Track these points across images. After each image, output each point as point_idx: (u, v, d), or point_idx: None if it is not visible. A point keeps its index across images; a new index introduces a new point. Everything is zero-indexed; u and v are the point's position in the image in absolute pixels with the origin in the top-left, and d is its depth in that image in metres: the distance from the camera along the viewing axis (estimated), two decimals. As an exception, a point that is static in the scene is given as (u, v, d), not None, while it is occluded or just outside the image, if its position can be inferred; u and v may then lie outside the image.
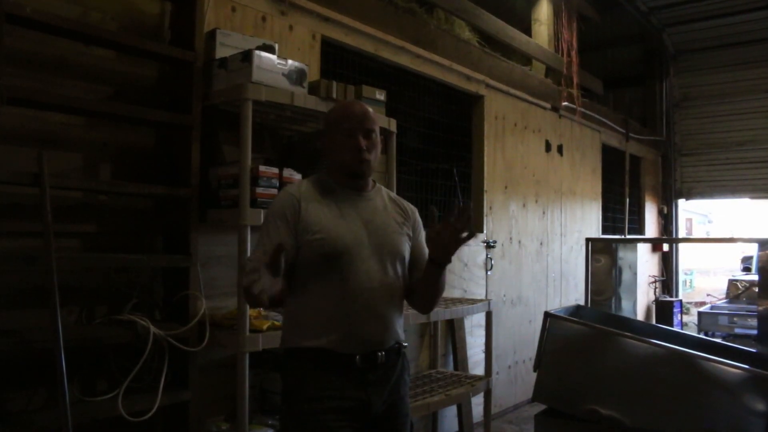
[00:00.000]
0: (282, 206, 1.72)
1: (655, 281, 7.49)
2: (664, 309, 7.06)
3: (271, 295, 1.50)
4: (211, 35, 2.42)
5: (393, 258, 1.76)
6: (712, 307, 7.49)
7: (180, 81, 2.39)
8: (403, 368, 1.80)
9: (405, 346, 1.82)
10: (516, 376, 4.82)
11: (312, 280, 1.69)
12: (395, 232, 1.80)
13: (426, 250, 1.85)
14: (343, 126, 1.74)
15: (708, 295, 10.03)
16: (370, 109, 1.79)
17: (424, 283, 1.76)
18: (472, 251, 4.32)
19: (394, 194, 1.94)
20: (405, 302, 1.85)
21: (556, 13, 5.59)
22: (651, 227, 7.70)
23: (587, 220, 6.05)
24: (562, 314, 3.19)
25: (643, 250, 7.17)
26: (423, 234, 1.89)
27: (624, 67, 7.95)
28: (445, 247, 1.62)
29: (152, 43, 2.30)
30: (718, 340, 4.50)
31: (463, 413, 3.91)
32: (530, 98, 5.02)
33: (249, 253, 2.10)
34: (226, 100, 2.33)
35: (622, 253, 5.95)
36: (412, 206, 1.93)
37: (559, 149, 5.49)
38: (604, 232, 6.40)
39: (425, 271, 1.74)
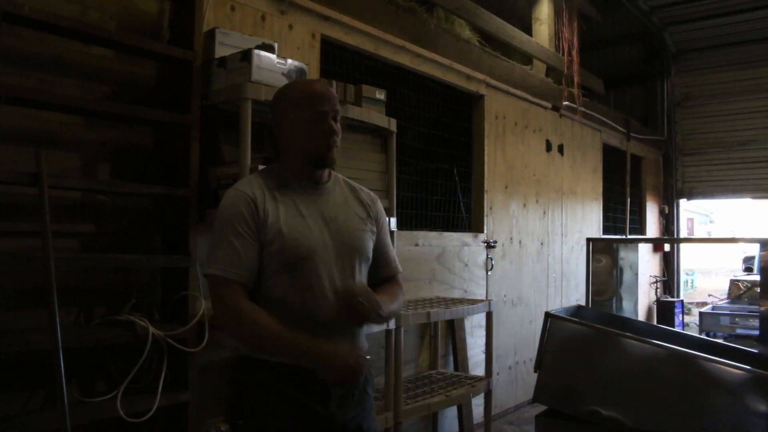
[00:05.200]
0: (239, 209, 1.51)
1: (656, 281, 7.48)
2: (666, 309, 7.06)
3: None
4: (211, 34, 2.41)
5: (358, 259, 1.61)
6: (713, 308, 7.50)
7: (179, 80, 2.38)
8: (367, 381, 1.65)
9: (368, 358, 1.58)
10: (516, 377, 4.81)
11: (271, 288, 1.53)
12: (359, 229, 1.64)
13: (388, 244, 1.75)
14: (315, 108, 1.55)
15: (709, 295, 10.03)
16: None
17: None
18: (472, 251, 4.31)
19: (352, 182, 1.75)
20: None
21: (557, 12, 5.57)
22: (652, 227, 7.68)
23: (588, 220, 6.03)
24: (562, 314, 3.18)
25: (644, 250, 7.15)
26: (387, 226, 1.76)
27: (625, 67, 7.93)
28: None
29: (151, 42, 2.29)
30: (720, 341, 4.49)
31: (464, 414, 3.90)
32: (531, 98, 5.01)
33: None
34: (226, 99, 2.32)
35: (623, 253, 5.93)
36: (372, 195, 1.75)
37: (560, 149, 5.48)
38: (604, 232, 6.39)
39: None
